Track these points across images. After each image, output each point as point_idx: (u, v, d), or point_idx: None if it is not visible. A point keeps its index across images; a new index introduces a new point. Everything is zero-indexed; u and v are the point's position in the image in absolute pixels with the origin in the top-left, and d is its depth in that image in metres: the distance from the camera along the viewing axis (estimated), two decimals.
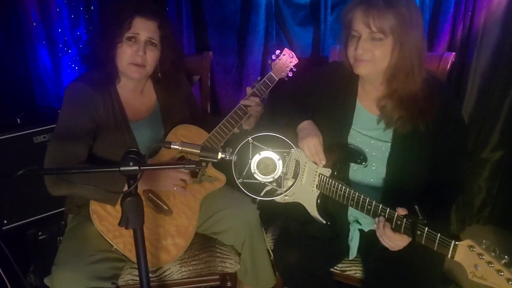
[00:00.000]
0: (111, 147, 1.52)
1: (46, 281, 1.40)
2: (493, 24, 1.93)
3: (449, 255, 1.17)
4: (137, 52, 1.49)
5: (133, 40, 1.49)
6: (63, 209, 1.70)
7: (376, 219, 1.31)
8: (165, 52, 1.58)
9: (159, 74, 1.62)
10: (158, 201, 1.54)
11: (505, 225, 2.20)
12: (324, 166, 1.50)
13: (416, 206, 1.22)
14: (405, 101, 1.36)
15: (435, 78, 1.43)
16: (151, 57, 1.53)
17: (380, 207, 1.31)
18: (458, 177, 1.46)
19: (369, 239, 1.48)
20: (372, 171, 1.48)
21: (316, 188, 1.53)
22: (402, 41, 1.29)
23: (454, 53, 1.71)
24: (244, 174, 1.42)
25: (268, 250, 1.72)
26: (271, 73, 1.72)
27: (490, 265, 1.10)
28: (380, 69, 1.36)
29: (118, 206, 1.23)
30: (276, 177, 1.42)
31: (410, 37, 1.30)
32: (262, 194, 1.54)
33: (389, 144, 1.44)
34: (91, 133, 1.50)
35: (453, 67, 1.85)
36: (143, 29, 1.49)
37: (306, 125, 1.53)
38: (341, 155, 1.49)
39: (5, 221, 1.86)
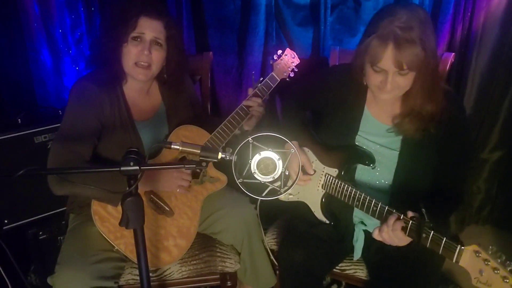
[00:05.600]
0: (116, 147, 1.51)
1: (49, 280, 1.40)
2: (492, 25, 1.93)
3: (454, 260, 1.16)
4: (142, 52, 1.49)
5: (138, 39, 1.49)
6: (63, 208, 1.71)
7: (390, 216, 1.30)
8: (171, 52, 1.58)
9: (165, 75, 1.62)
10: (159, 202, 1.54)
11: (504, 226, 2.20)
12: (331, 167, 1.50)
13: (423, 209, 1.21)
14: (424, 116, 1.35)
15: (448, 90, 1.41)
16: (157, 56, 1.53)
17: (386, 209, 1.31)
18: (459, 188, 1.45)
19: (373, 240, 1.48)
20: (378, 175, 1.48)
21: (322, 187, 1.53)
22: (425, 70, 1.28)
23: (453, 53, 1.71)
24: (244, 174, 1.42)
25: (267, 249, 1.72)
26: (272, 73, 1.71)
27: (496, 271, 1.08)
28: (401, 94, 1.37)
29: (119, 207, 1.23)
30: (276, 177, 1.42)
31: (431, 65, 1.28)
32: (263, 194, 1.54)
33: (397, 152, 1.43)
34: (97, 133, 1.50)
35: (452, 67, 1.86)
36: (149, 28, 1.49)
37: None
38: (349, 155, 1.49)
39: (6, 221, 1.87)
